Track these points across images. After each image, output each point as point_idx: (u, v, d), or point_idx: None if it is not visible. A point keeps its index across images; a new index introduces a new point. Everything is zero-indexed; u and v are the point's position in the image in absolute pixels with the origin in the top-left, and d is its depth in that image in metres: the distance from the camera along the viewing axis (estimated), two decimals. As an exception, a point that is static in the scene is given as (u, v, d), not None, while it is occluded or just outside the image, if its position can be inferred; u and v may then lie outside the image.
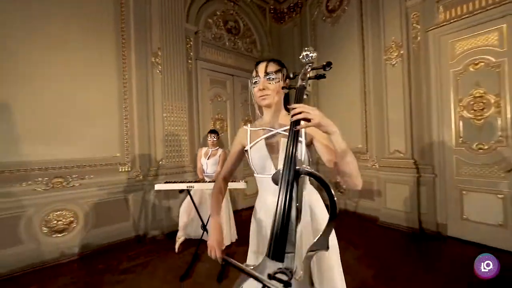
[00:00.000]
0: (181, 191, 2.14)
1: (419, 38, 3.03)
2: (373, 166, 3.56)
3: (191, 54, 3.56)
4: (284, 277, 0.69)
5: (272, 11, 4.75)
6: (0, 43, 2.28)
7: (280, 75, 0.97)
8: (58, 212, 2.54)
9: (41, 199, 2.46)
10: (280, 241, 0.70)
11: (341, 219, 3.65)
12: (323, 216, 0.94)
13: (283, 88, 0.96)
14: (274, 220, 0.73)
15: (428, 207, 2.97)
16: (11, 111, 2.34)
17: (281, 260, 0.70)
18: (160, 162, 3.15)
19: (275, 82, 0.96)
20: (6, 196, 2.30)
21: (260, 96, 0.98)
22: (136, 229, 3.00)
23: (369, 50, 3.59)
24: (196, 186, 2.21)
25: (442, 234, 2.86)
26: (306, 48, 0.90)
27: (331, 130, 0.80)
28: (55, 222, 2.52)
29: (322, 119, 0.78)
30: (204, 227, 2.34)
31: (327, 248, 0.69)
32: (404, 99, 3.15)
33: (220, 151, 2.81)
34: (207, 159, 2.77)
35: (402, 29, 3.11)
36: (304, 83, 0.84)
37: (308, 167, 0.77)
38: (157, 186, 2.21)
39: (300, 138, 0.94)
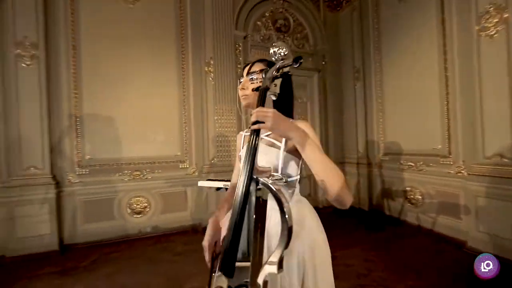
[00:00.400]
0: (218, 188, 2.31)
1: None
2: (459, 174, 2.76)
3: (240, 58, 3.74)
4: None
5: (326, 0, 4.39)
6: (103, 72, 3.08)
7: (263, 75, 0.90)
8: (137, 198, 3.22)
9: (126, 186, 3.19)
10: (230, 255, 0.66)
11: (408, 236, 3.01)
12: (298, 237, 0.81)
13: (253, 90, 0.88)
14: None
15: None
16: (113, 122, 3.13)
17: (230, 275, 0.66)
18: (212, 161, 3.48)
19: (257, 82, 0.90)
20: (106, 183, 3.11)
21: (242, 96, 0.94)
22: (193, 219, 3.44)
23: (452, 21, 2.79)
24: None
25: None
26: (274, 44, 0.79)
27: (289, 135, 0.69)
28: (135, 205, 3.21)
29: (274, 122, 0.68)
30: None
31: (278, 269, 0.60)
32: (509, 83, 2.28)
33: None
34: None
35: (502, -13, 2.26)
36: (267, 84, 0.75)
37: (267, 178, 0.68)
38: (200, 183, 2.46)
39: (279, 144, 0.85)
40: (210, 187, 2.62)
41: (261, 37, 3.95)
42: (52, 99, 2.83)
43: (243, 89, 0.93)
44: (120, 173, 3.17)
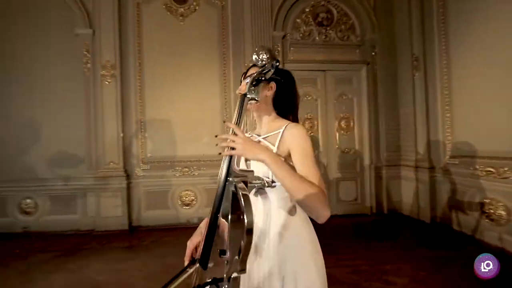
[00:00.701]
0: None
1: None
2: None
3: (279, 59, 3.74)
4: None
5: (377, -19, 3.92)
6: (160, 82, 3.63)
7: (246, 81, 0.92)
8: (186, 192, 3.66)
9: (178, 181, 3.66)
10: (206, 249, 0.73)
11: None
12: (282, 242, 0.80)
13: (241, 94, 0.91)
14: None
15: None
16: (169, 124, 3.66)
17: (204, 267, 0.72)
18: (250, 160, 3.61)
19: None
20: (163, 177, 3.65)
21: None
22: (233, 214, 3.66)
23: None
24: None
25: None
26: (256, 49, 0.80)
27: (259, 158, 0.70)
28: (184, 198, 3.65)
29: (244, 148, 0.71)
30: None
31: (240, 271, 0.64)
32: None
33: None
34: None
35: None
36: (246, 92, 0.77)
37: (241, 182, 0.71)
38: None
39: (272, 147, 0.86)
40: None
41: (301, 35, 3.85)
42: (124, 107, 3.52)
43: (240, 92, 0.97)
44: (172, 169, 3.66)
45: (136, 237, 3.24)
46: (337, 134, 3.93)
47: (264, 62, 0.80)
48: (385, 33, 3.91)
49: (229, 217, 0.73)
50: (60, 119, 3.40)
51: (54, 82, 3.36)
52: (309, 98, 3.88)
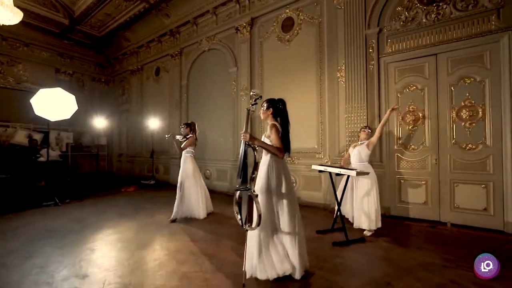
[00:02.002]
0: (337, 174, 2.98)
1: None
2: None
3: (373, 55, 3.79)
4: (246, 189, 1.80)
5: None
6: (274, 92, 5.01)
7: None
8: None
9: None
10: (243, 171, 1.82)
11: None
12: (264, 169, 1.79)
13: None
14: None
15: None
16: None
17: (244, 182, 1.82)
18: (342, 153, 4.01)
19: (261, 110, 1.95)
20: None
21: None
22: (324, 199, 4.24)
23: None
24: (329, 169, 2.92)
25: None
26: (252, 91, 1.77)
27: (254, 143, 1.77)
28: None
29: (245, 138, 1.78)
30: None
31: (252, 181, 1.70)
32: None
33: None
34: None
35: None
36: (249, 109, 1.79)
37: (251, 147, 1.78)
38: (313, 167, 3.28)
39: (264, 138, 1.84)
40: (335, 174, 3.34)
41: (402, 23, 3.61)
42: (253, 120, 5.25)
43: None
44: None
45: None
46: (454, 126, 3.24)
47: (254, 96, 1.80)
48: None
49: (247, 160, 1.80)
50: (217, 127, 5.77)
51: (219, 99, 5.78)
52: (412, 89, 3.54)
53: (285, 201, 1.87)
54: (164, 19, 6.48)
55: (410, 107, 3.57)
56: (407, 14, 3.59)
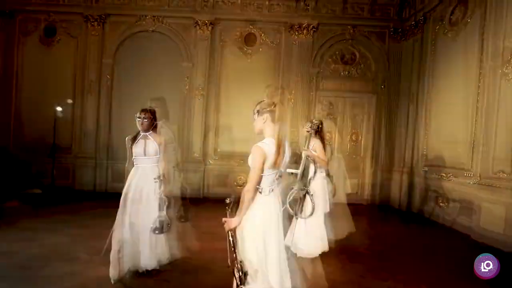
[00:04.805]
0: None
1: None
2: None
3: (314, 88, 5.26)
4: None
5: (392, 32, 5.28)
6: (230, 102, 5.22)
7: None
8: (240, 176, 5.31)
9: (236, 168, 5.32)
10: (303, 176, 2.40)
11: None
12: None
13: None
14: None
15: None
16: (231, 128, 5.29)
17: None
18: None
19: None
20: (226, 165, 5.32)
21: None
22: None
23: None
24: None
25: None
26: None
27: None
28: (238, 181, 5.32)
29: None
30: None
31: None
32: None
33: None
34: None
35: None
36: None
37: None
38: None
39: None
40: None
41: (330, 71, 5.33)
42: (207, 116, 5.15)
43: None
44: (232, 160, 5.30)
45: (206, 205, 4.90)
46: (348, 145, 5.47)
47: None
48: (394, 69, 5.29)
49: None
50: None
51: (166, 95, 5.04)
52: (331, 117, 5.40)
53: None
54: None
55: (328, 130, 5.43)
56: (333, 66, 5.33)
